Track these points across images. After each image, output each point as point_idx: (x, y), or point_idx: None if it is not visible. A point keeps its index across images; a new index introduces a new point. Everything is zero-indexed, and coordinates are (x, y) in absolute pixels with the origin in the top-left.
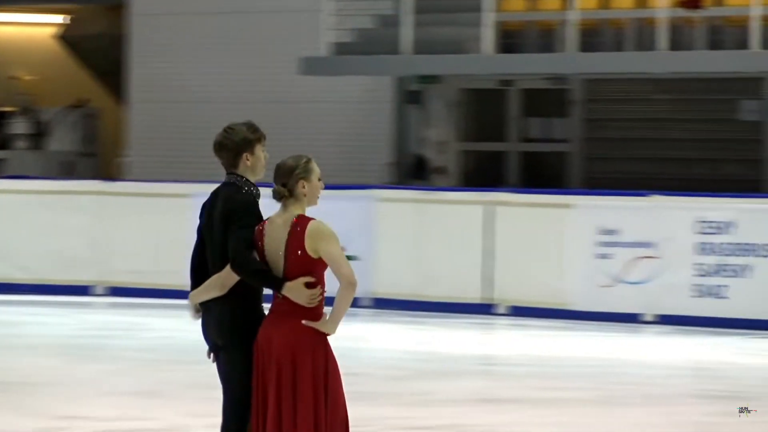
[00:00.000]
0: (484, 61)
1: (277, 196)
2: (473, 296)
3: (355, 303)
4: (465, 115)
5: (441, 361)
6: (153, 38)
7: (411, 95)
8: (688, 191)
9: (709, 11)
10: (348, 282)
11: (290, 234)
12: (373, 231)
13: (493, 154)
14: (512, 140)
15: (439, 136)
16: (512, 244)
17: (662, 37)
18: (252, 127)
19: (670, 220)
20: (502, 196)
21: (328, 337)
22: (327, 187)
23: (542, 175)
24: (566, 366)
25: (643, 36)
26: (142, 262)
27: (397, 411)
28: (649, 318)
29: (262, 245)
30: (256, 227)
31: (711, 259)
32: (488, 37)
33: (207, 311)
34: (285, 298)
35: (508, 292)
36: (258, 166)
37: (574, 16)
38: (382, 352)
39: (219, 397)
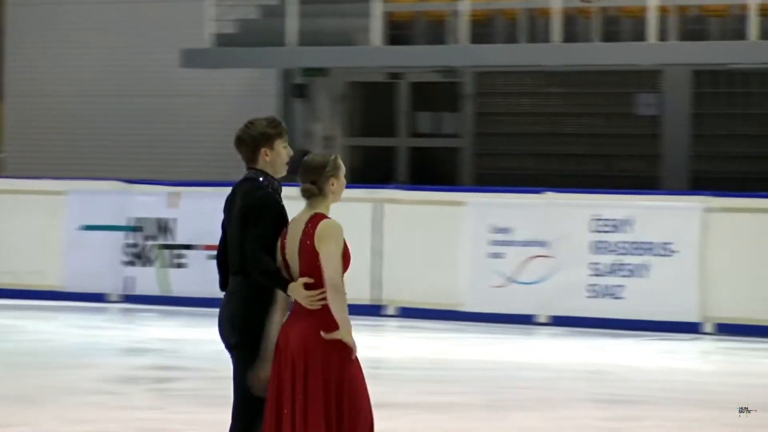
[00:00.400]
0: (373, 53)
1: (307, 194)
2: (362, 297)
3: None
4: (353, 109)
5: None
6: (29, 28)
7: (297, 88)
8: (583, 188)
9: (605, 1)
10: (330, 284)
11: (304, 233)
12: None
13: (381, 150)
14: (401, 135)
15: (326, 131)
16: (401, 243)
17: (556, 29)
18: (273, 122)
19: (565, 218)
20: (391, 193)
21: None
22: (208, 184)
23: (433, 172)
24: (458, 370)
25: (536, 27)
26: (17, 261)
27: None
28: (543, 319)
29: (285, 246)
30: (283, 226)
31: (607, 259)
32: (377, 29)
33: (222, 309)
34: None
35: (397, 293)
36: (278, 162)
37: (465, 7)
38: None
39: (101, 403)
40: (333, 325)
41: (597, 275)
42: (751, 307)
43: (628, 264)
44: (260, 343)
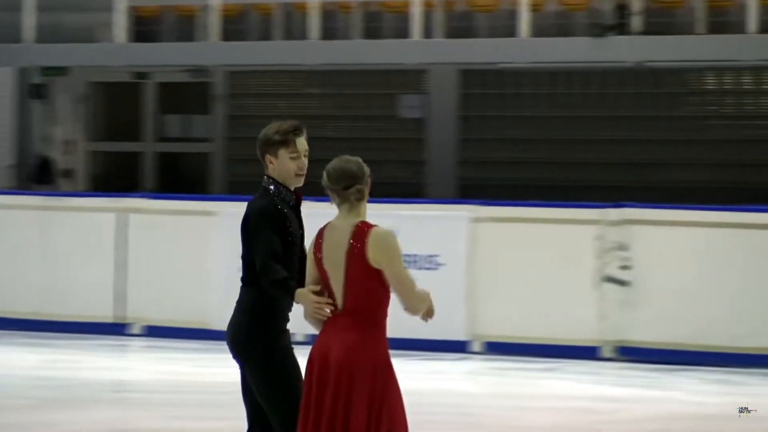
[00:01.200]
0: (116, 50)
1: (360, 195)
2: (105, 315)
3: None
4: (95, 111)
5: (67, 389)
6: None
7: (34, 89)
8: None
9: None
10: (413, 312)
11: (352, 240)
12: None
13: (126, 155)
14: (148, 139)
15: (66, 135)
16: (148, 256)
17: (314, 25)
18: (282, 129)
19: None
20: (136, 202)
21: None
22: None
23: (182, 179)
24: (211, 393)
25: (292, 24)
26: None
27: None
28: (300, 338)
29: (321, 254)
30: (315, 237)
31: None
32: (121, 24)
33: (230, 319)
34: (344, 310)
35: (143, 311)
36: (283, 171)
37: (215, 2)
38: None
39: None
40: (376, 335)
41: None
42: (522, 325)
43: None
44: (266, 356)
